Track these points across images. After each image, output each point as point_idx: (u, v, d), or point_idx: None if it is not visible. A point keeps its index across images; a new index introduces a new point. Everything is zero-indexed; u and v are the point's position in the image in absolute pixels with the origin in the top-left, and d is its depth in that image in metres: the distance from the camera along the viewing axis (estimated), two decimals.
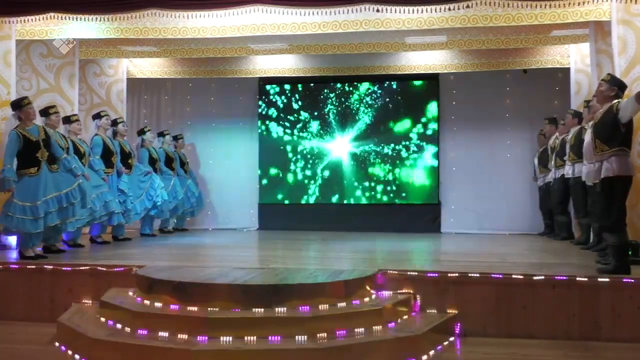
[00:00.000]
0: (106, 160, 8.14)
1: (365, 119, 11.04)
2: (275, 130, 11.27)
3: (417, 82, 10.89)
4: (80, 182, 6.81)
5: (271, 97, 11.30)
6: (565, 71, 9.66)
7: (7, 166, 6.38)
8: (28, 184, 6.45)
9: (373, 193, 11.02)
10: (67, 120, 7.59)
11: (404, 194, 10.93)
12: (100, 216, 7.69)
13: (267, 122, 11.28)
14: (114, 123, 8.72)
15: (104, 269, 5.99)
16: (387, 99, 11.01)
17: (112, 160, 8.28)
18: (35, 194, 6.44)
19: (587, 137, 5.86)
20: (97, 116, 8.41)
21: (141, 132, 9.63)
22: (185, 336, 4.55)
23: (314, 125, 11.18)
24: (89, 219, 7.49)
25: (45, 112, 7.03)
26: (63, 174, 6.73)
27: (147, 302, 5.17)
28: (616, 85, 5.66)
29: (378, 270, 5.69)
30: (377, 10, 7.00)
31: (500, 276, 5.50)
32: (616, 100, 5.59)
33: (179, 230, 10.52)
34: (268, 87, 11.27)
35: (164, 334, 4.63)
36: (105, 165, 8.11)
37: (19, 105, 6.62)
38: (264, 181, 11.29)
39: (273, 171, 11.27)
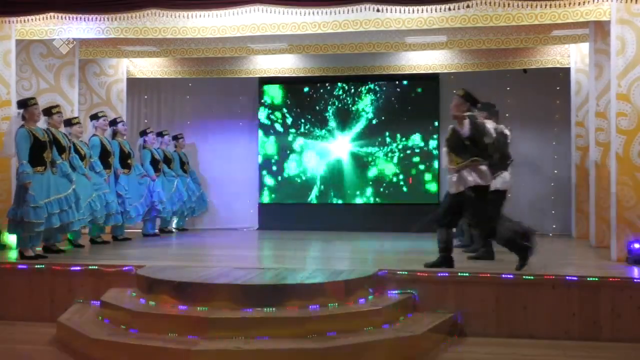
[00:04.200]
0: (103, 160, 8.13)
1: (365, 118, 11.03)
2: (275, 130, 11.26)
3: (417, 82, 10.87)
4: (74, 187, 6.85)
5: (271, 97, 11.29)
6: (565, 71, 9.65)
7: (23, 161, 6.46)
8: (38, 181, 6.49)
9: (373, 193, 11.01)
10: (68, 122, 7.60)
11: (404, 194, 10.92)
12: (99, 217, 7.68)
13: (267, 122, 11.28)
14: (113, 123, 8.71)
15: (104, 269, 5.99)
16: (387, 99, 11.00)
17: (110, 161, 8.26)
18: (41, 193, 6.48)
19: (443, 150, 6.17)
20: (94, 117, 8.40)
21: (143, 134, 9.63)
22: (185, 336, 4.55)
23: (314, 125, 11.17)
24: (90, 219, 7.49)
25: (48, 112, 7.05)
26: (60, 177, 6.77)
27: (147, 302, 5.17)
28: (469, 101, 5.92)
29: (378, 270, 5.69)
30: (377, 10, 7.00)
31: (501, 276, 5.50)
32: (468, 113, 5.87)
33: (179, 230, 10.52)
34: (268, 87, 11.27)
35: (164, 334, 4.63)
36: (103, 166, 8.09)
37: (25, 105, 6.66)
38: (264, 181, 11.28)
39: (273, 171, 11.27)
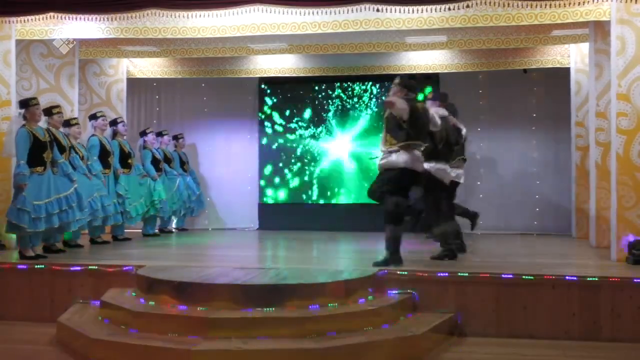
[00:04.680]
0: (103, 160, 8.13)
1: (365, 118, 11.03)
2: (275, 130, 11.26)
3: (417, 82, 10.84)
4: (76, 187, 6.84)
5: (271, 96, 11.29)
6: (565, 71, 9.65)
7: (21, 162, 6.45)
8: (37, 181, 6.49)
9: None
10: (67, 123, 7.59)
11: None
12: (98, 217, 7.69)
13: (267, 121, 11.27)
14: (114, 123, 8.71)
15: (104, 269, 5.99)
16: None
17: (109, 161, 8.26)
18: (40, 193, 6.48)
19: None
20: (93, 117, 8.40)
21: (143, 134, 9.63)
22: (185, 336, 4.55)
23: (314, 125, 11.17)
24: (90, 219, 7.49)
25: (48, 112, 7.05)
26: (61, 177, 6.77)
27: (147, 302, 5.17)
28: (405, 87, 6.16)
29: (378, 270, 5.69)
30: (377, 10, 7.00)
31: (501, 276, 5.50)
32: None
33: (179, 230, 10.52)
34: (268, 87, 11.27)
35: (164, 334, 4.63)
36: (102, 166, 8.09)
37: (27, 105, 6.67)
38: (264, 181, 11.28)
39: (273, 171, 11.27)
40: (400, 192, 5.98)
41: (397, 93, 6.13)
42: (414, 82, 6.36)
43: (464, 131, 7.35)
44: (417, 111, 6.01)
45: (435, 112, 6.57)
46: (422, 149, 6.08)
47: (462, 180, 7.38)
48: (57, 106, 7.31)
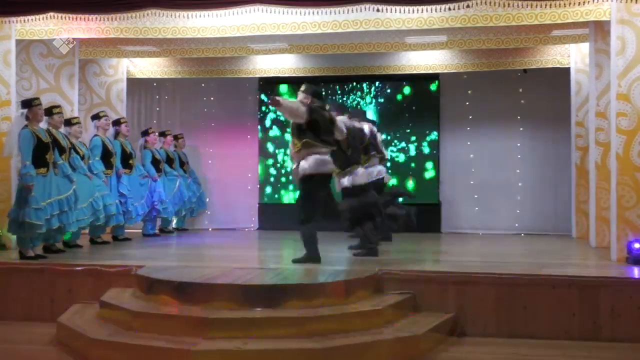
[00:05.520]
0: (105, 160, 8.13)
1: None
2: (276, 130, 11.25)
3: (417, 82, 10.86)
4: (75, 188, 6.85)
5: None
6: (565, 71, 9.65)
7: (26, 162, 6.45)
8: (40, 183, 6.49)
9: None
10: (68, 122, 7.60)
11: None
12: (100, 217, 7.69)
13: (267, 122, 11.27)
14: (117, 123, 8.73)
15: (104, 269, 5.99)
16: (387, 99, 11.00)
17: (112, 161, 8.27)
18: (43, 194, 6.49)
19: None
20: (95, 117, 8.41)
21: (145, 134, 9.63)
22: (185, 336, 4.55)
23: None
24: (92, 219, 7.50)
25: (49, 112, 7.04)
26: (61, 178, 6.77)
27: (147, 302, 5.17)
28: (311, 94, 6.31)
29: (378, 270, 5.69)
30: (377, 10, 7.00)
31: (501, 276, 5.50)
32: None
33: (179, 230, 10.52)
34: (268, 87, 11.26)
35: (164, 334, 4.63)
36: (105, 166, 8.10)
37: (29, 105, 6.66)
38: (264, 181, 11.28)
39: (273, 171, 11.26)
40: (313, 197, 6.19)
41: (303, 100, 6.29)
42: (318, 90, 6.53)
43: (366, 129, 7.52)
44: (320, 118, 6.20)
45: (345, 122, 6.83)
46: (325, 151, 6.23)
47: (383, 176, 7.70)
48: (58, 106, 7.31)
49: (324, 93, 6.88)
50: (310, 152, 6.15)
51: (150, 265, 5.98)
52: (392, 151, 10.93)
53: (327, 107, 6.54)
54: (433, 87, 10.85)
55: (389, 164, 10.95)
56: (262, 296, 4.93)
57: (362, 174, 7.05)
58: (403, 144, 10.92)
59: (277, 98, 6.10)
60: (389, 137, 10.92)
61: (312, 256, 6.26)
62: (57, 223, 6.65)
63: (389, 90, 11.00)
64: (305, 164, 6.14)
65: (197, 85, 11.36)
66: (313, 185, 6.18)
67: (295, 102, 6.23)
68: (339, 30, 7.39)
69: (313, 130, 6.16)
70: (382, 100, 11.01)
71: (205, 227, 11.22)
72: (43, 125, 6.86)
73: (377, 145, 8.11)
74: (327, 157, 6.24)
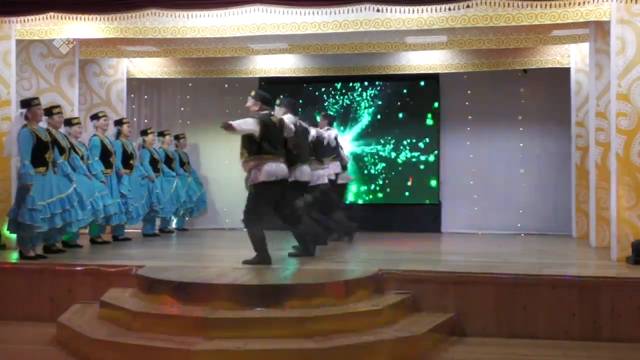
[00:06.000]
0: (104, 160, 8.13)
1: (365, 118, 11.03)
2: None
3: (417, 82, 10.87)
4: (75, 187, 6.84)
5: (271, 96, 11.26)
6: (565, 71, 9.65)
7: (25, 162, 6.45)
8: (40, 182, 6.49)
9: (373, 193, 11.01)
10: (68, 122, 7.60)
11: (404, 194, 10.92)
12: (100, 217, 7.69)
13: None
14: (119, 123, 8.75)
15: (104, 269, 5.99)
16: (387, 99, 11.01)
17: (111, 161, 8.27)
18: (43, 194, 6.49)
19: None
20: (94, 117, 8.40)
21: (144, 133, 9.63)
22: (185, 336, 4.55)
23: (314, 125, 11.13)
24: (92, 219, 7.51)
25: (49, 112, 7.04)
26: (61, 177, 6.77)
27: (147, 302, 5.17)
28: (260, 100, 6.42)
29: (378, 270, 5.69)
30: (377, 10, 7.00)
31: (501, 276, 5.50)
32: (263, 112, 6.35)
33: (179, 230, 10.51)
34: (268, 87, 11.25)
35: (164, 334, 4.63)
36: (104, 166, 8.10)
37: (29, 104, 6.66)
38: None
39: None
40: (263, 202, 6.35)
41: (252, 106, 6.40)
42: (268, 95, 6.60)
43: (312, 133, 7.65)
44: (269, 127, 6.26)
45: (288, 118, 6.88)
46: (276, 158, 6.29)
47: (322, 181, 7.75)
48: (57, 106, 7.31)
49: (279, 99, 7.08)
50: (262, 162, 6.21)
51: (150, 265, 5.98)
52: (392, 151, 10.93)
53: (273, 113, 6.59)
54: (433, 87, 10.85)
55: (386, 164, 10.98)
56: (262, 296, 4.93)
57: (307, 173, 7.10)
58: (403, 144, 10.92)
59: (230, 122, 6.12)
60: (389, 137, 10.94)
61: (263, 257, 6.30)
62: (60, 222, 6.66)
63: (389, 90, 11.00)
64: (258, 173, 6.22)
65: (197, 85, 11.35)
66: (266, 191, 6.27)
67: (247, 121, 6.23)
68: (339, 30, 7.38)
69: (264, 140, 6.23)
70: (382, 100, 11.01)
71: (205, 227, 11.21)
72: (43, 124, 6.87)
73: (337, 150, 8.47)
74: (279, 164, 6.30)
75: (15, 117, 6.97)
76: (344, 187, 9.24)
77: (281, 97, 7.62)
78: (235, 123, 6.15)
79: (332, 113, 10.72)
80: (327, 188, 7.92)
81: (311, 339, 4.54)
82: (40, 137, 6.59)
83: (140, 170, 9.02)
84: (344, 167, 9.14)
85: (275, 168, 6.24)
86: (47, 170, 6.60)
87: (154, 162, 9.47)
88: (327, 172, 8.07)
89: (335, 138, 8.75)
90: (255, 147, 6.22)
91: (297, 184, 6.96)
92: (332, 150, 8.45)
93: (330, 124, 9.00)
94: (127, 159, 8.62)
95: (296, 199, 6.91)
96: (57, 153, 6.84)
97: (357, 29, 7.34)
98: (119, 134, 8.66)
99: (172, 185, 9.80)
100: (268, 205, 6.41)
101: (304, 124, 7.47)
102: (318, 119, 8.79)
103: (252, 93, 6.56)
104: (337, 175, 8.57)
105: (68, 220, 6.77)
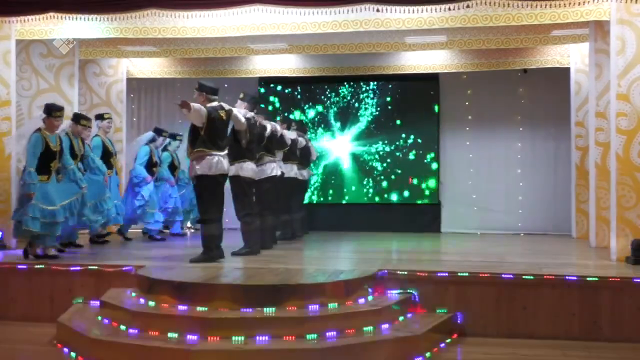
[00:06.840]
0: (105, 161, 8.11)
1: (365, 118, 11.04)
2: None
3: (417, 82, 10.86)
4: (84, 193, 6.82)
5: (271, 97, 11.29)
6: (565, 71, 9.66)
7: (29, 169, 6.43)
8: (42, 189, 6.45)
9: (373, 193, 11.02)
10: (100, 117, 8.09)
11: (404, 194, 10.92)
12: (111, 218, 7.77)
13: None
14: (100, 117, 8.47)
15: (104, 269, 5.99)
16: (387, 99, 11.01)
17: (111, 161, 8.26)
18: (52, 199, 6.45)
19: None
20: (100, 117, 8.37)
21: (99, 117, 9.19)
22: (185, 336, 4.55)
23: (314, 125, 11.16)
24: (104, 221, 7.58)
25: (100, 117, 7.64)
26: (67, 183, 6.73)
27: (147, 302, 5.17)
28: (204, 91, 6.48)
29: (378, 270, 5.69)
30: (377, 10, 7.00)
31: (501, 276, 5.50)
32: (210, 105, 6.37)
33: (174, 235, 10.32)
34: (268, 87, 11.26)
35: (163, 334, 4.63)
36: (105, 166, 8.08)
37: (49, 113, 6.61)
38: None
39: None
40: (207, 197, 6.40)
41: (197, 97, 6.44)
42: (212, 85, 6.61)
43: (268, 129, 7.62)
44: (215, 121, 6.30)
45: (241, 112, 6.93)
46: (222, 153, 6.35)
47: (275, 172, 7.71)
48: (108, 113, 7.85)
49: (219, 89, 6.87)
50: (203, 156, 6.27)
51: (150, 265, 5.98)
52: (391, 151, 10.93)
53: (223, 104, 6.60)
54: (433, 87, 10.85)
55: (386, 164, 10.98)
56: (262, 296, 4.92)
57: (249, 170, 7.07)
58: (403, 144, 10.92)
59: (189, 102, 6.14)
60: (388, 137, 10.94)
61: (210, 256, 6.41)
62: (73, 222, 6.72)
63: (388, 91, 11.00)
64: (197, 166, 6.29)
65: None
66: (207, 184, 6.32)
67: (202, 110, 6.27)
68: (339, 30, 7.39)
69: (208, 134, 6.26)
70: (382, 100, 11.01)
71: None
72: (61, 132, 6.87)
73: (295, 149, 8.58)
74: (220, 159, 6.33)
75: (33, 118, 7.04)
76: (303, 185, 9.36)
77: (243, 91, 7.62)
78: (194, 106, 6.18)
79: (306, 121, 10.88)
80: (278, 179, 7.87)
81: (311, 339, 4.54)
82: (49, 144, 6.56)
83: (160, 174, 9.02)
84: (307, 164, 9.32)
85: (214, 162, 6.28)
86: (49, 179, 6.55)
87: (150, 165, 9.30)
88: (279, 164, 7.98)
89: (295, 141, 8.79)
90: (197, 141, 6.28)
91: (238, 178, 7.00)
92: (283, 145, 8.29)
93: (288, 127, 8.98)
94: (151, 166, 8.70)
95: (241, 194, 7.02)
96: (69, 159, 6.82)
97: (357, 29, 7.34)
98: (164, 148, 8.97)
99: (185, 189, 9.76)
100: (215, 199, 6.47)
101: (262, 121, 7.53)
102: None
103: (197, 85, 6.57)
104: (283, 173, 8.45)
105: (80, 224, 6.91)
